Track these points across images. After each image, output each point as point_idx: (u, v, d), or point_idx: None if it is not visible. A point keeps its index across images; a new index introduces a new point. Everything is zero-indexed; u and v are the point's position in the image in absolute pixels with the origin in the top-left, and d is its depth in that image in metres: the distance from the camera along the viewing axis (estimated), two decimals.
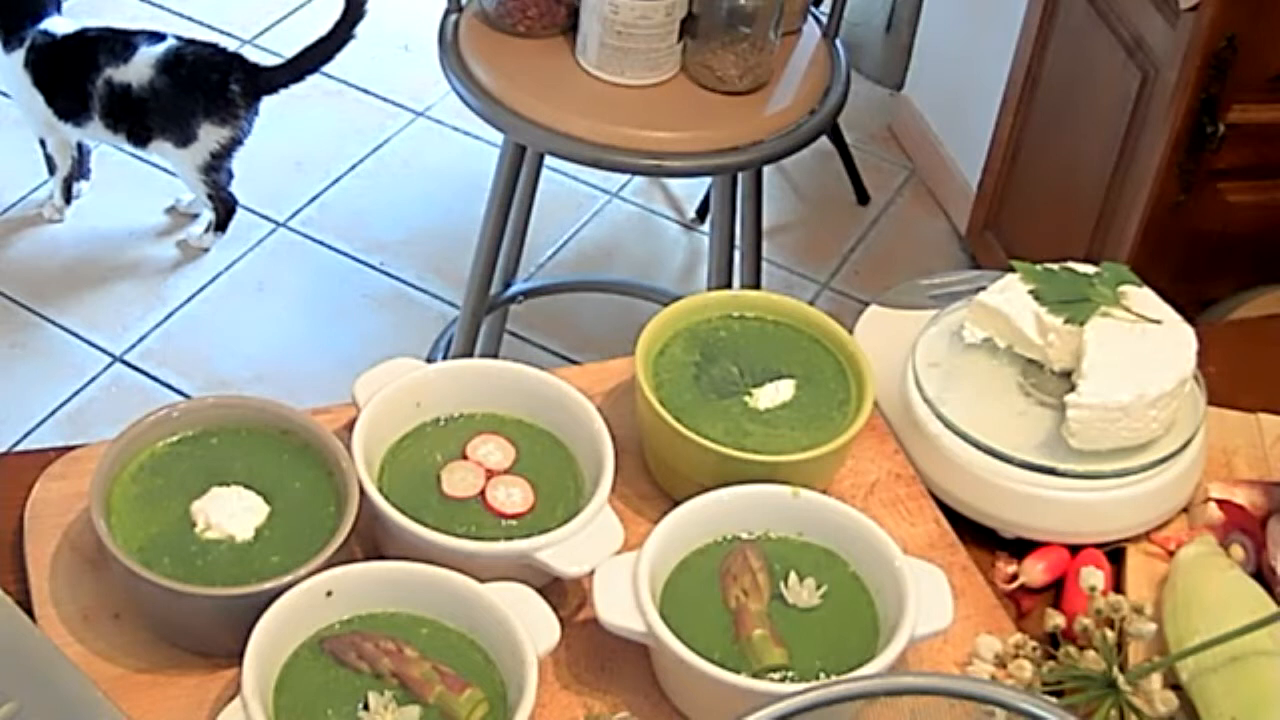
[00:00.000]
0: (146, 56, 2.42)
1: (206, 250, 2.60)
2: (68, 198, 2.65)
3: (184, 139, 2.46)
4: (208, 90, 2.45)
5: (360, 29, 2.45)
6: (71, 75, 2.46)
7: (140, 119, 2.47)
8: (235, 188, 2.58)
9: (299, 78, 2.49)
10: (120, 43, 2.45)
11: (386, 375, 0.99)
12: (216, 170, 2.51)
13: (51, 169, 2.61)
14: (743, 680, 0.85)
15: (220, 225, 2.58)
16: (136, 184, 2.69)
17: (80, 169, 2.66)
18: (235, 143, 2.49)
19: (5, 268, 2.59)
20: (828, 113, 1.82)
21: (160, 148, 2.49)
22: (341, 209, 2.68)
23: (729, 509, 0.94)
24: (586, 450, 0.97)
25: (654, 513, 0.93)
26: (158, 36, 2.46)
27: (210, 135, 2.46)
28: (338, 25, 2.44)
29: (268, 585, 0.86)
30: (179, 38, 2.47)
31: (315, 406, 1.04)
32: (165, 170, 2.67)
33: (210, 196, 2.52)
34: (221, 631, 0.86)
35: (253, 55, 2.57)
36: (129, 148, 2.52)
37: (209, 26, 3.01)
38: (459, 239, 2.44)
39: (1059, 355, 1.04)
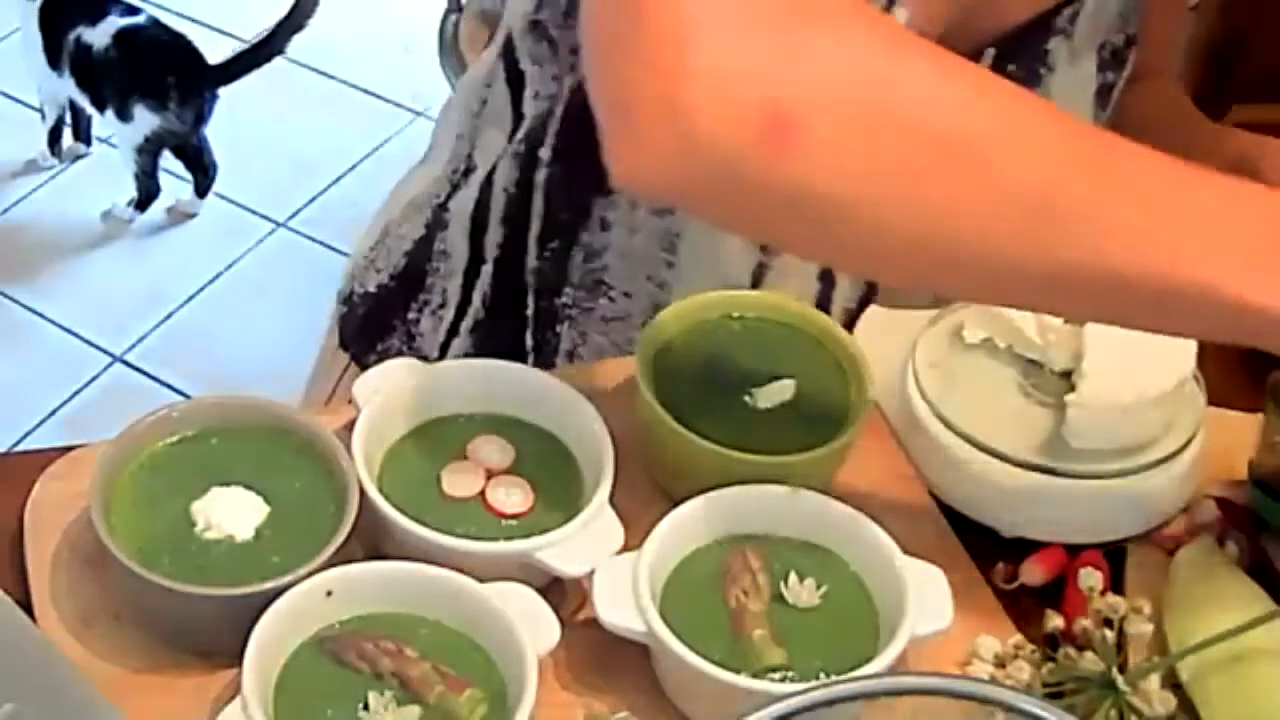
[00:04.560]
0: (110, 25, 2.49)
1: (129, 222, 2.64)
2: (53, 148, 2.70)
3: (123, 115, 2.51)
4: (144, 73, 2.50)
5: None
6: (56, 24, 2.53)
7: (96, 84, 2.53)
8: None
9: (242, 73, 2.54)
10: (97, 4, 2.51)
11: (386, 375, 0.99)
12: (150, 155, 2.56)
13: (44, 118, 2.68)
14: (743, 680, 0.85)
15: (140, 205, 2.64)
16: None
17: (77, 131, 2.71)
18: (169, 133, 2.53)
19: (5, 267, 2.59)
20: None
21: (110, 117, 2.54)
22: (341, 209, 2.68)
23: (729, 509, 0.94)
24: (586, 450, 0.97)
25: (654, 513, 0.93)
26: (132, 10, 2.51)
27: (143, 118, 2.51)
28: (286, 18, 2.49)
29: (268, 585, 0.86)
30: (150, 17, 2.52)
31: (315, 406, 1.04)
32: (167, 169, 2.67)
33: (136, 175, 2.57)
34: (221, 631, 0.86)
35: None
36: (94, 111, 2.59)
37: (209, 26, 3.02)
38: None
39: (1059, 355, 1.04)
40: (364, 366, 1.25)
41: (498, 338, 1.19)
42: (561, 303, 1.17)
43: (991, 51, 1.06)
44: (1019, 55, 1.08)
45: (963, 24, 1.03)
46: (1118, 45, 1.14)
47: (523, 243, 1.16)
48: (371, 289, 1.28)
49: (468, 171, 1.20)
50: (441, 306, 1.23)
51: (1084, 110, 1.15)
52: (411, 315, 1.25)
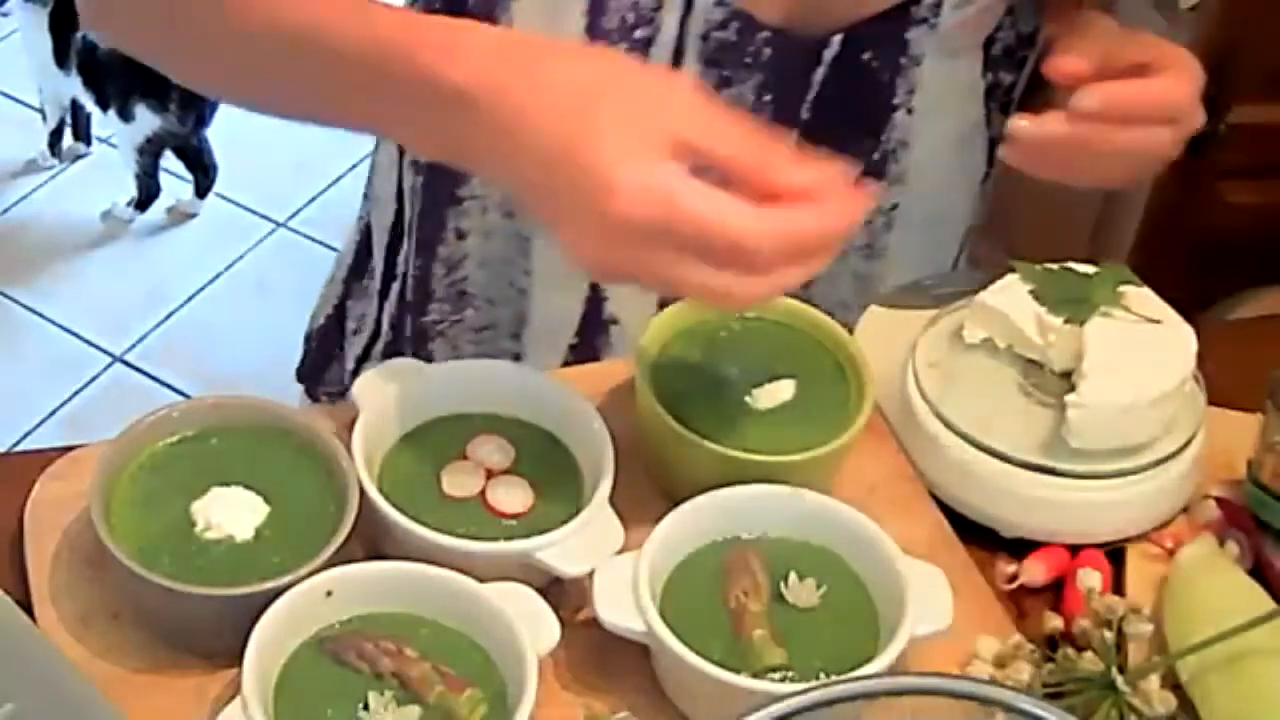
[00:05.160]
0: None
1: (129, 222, 2.64)
2: (53, 148, 2.70)
3: (124, 115, 2.51)
4: (146, 73, 2.51)
5: None
6: (65, 22, 2.54)
7: (100, 83, 2.53)
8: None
9: None
10: None
11: (387, 375, 0.99)
12: (150, 155, 2.56)
13: (45, 118, 2.68)
14: (743, 680, 0.85)
15: (140, 205, 2.64)
16: None
17: (77, 131, 2.71)
18: (170, 134, 2.53)
19: (5, 267, 2.59)
20: None
21: (111, 116, 2.54)
22: (341, 209, 2.68)
23: (729, 509, 0.94)
24: (586, 450, 0.97)
25: (654, 513, 0.93)
26: None
27: (145, 119, 2.50)
28: None
29: (268, 585, 0.86)
30: None
31: (315, 406, 1.04)
32: (167, 169, 2.67)
33: (136, 175, 2.57)
34: (221, 631, 0.86)
35: None
36: (98, 110, 2.59)
37: None
38: None
39: (1059, 355, 1.04)
40: (315, 399, 1.27)
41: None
42: (430, 320, 1.17)
43: (838, 39, 1.04)
44: (875, 43, 1.05)
45: (816, 6, 1.02)
46: (1009, 43, 1.12)
47: (396, 261, 1.17)
48: (321, 321, 1.29)
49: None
50: (355, 332, 1.25)
51: (970, 108, 1.14)
52: (342, 348, 1.26)
